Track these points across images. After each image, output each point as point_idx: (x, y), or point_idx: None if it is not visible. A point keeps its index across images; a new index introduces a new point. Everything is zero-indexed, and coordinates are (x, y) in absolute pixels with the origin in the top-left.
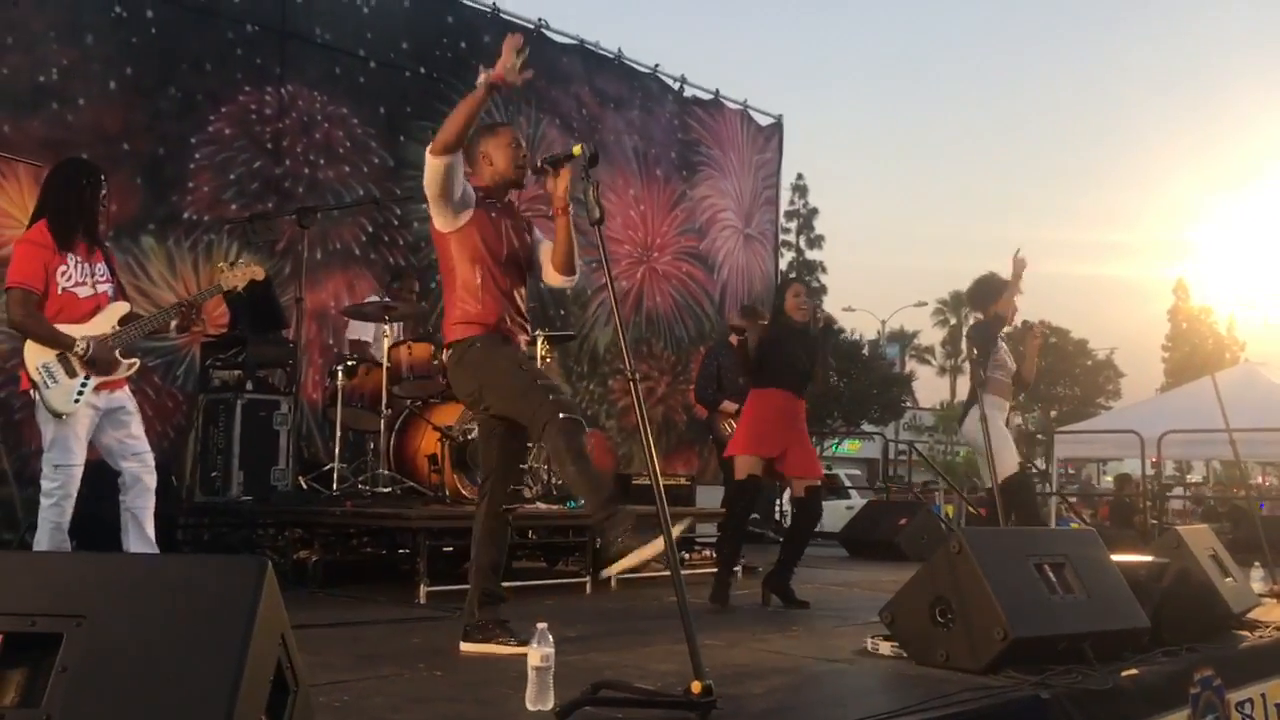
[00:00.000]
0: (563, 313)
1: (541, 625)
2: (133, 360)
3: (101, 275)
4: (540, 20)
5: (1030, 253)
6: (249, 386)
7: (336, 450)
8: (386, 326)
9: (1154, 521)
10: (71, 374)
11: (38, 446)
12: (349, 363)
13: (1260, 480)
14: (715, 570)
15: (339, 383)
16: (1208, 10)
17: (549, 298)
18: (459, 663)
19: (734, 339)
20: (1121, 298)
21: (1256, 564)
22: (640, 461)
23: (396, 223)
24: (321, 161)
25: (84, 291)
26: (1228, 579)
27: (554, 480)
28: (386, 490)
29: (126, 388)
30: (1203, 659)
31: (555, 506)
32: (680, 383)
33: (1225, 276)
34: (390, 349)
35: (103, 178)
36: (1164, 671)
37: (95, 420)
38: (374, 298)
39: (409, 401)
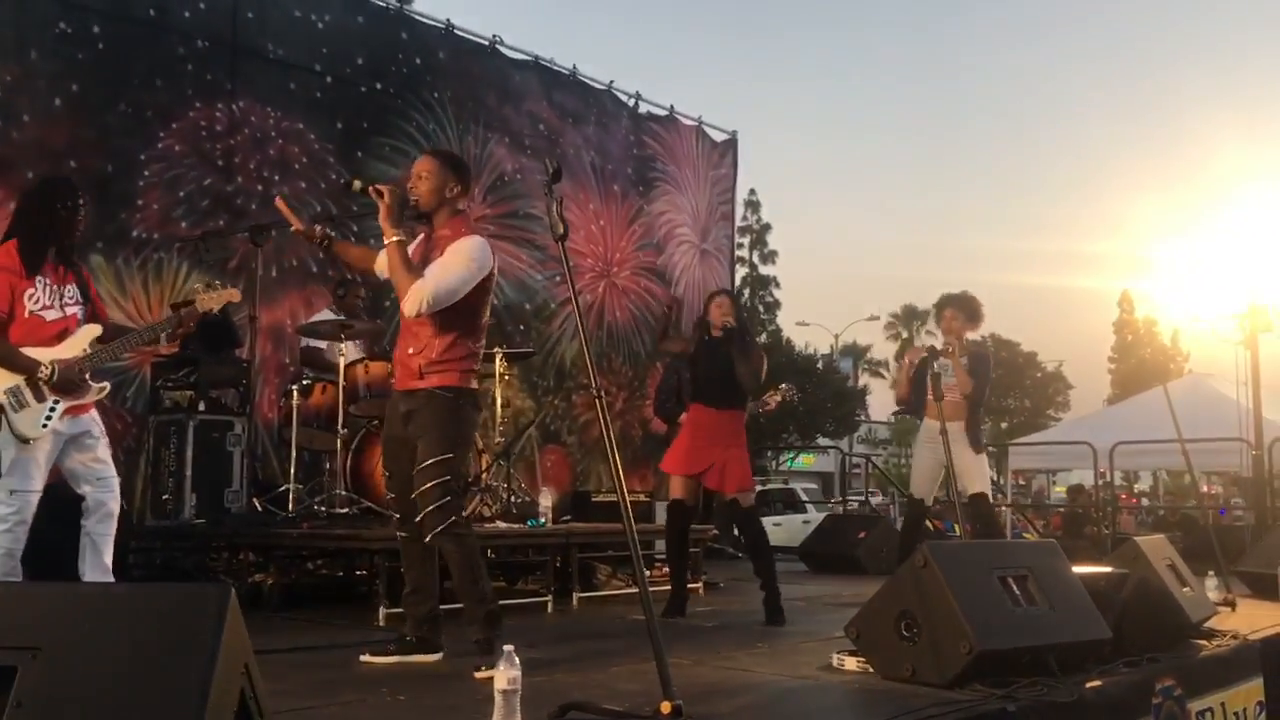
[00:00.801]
0: (522, 327)
1: (508, 647)
2: (103, 385)
3: (71, 298)
4: (495, 36)
5: (981, 264)
6: (201, 407)
7: (292, 471)
8: (341, 345)
9: (1106, 532)
10: (40, 398)
11: None
12: (304, 381)
13: (1206, 489)
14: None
15: (294, 402)
16: (1167, 26)
17: (505, 313)
18: (422, 687)
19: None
20: (1068, 310)
21: (1210, 573)
22: (598, 478)
23: (353, 239)
24: (276, 178)
25: (51, 315)
26: (1185, 588)
27: (512, 499)
28: (344, 511)
29: (94, 411)
30: (1164, 668)
31: (515, 525)
32: (637, 398)
33: (1171, 289)
34: (347, 368)
35: (81, 200)
36: (1126, 682)
37: (59, 445)
38: (327, 312)
39: (366, 420)
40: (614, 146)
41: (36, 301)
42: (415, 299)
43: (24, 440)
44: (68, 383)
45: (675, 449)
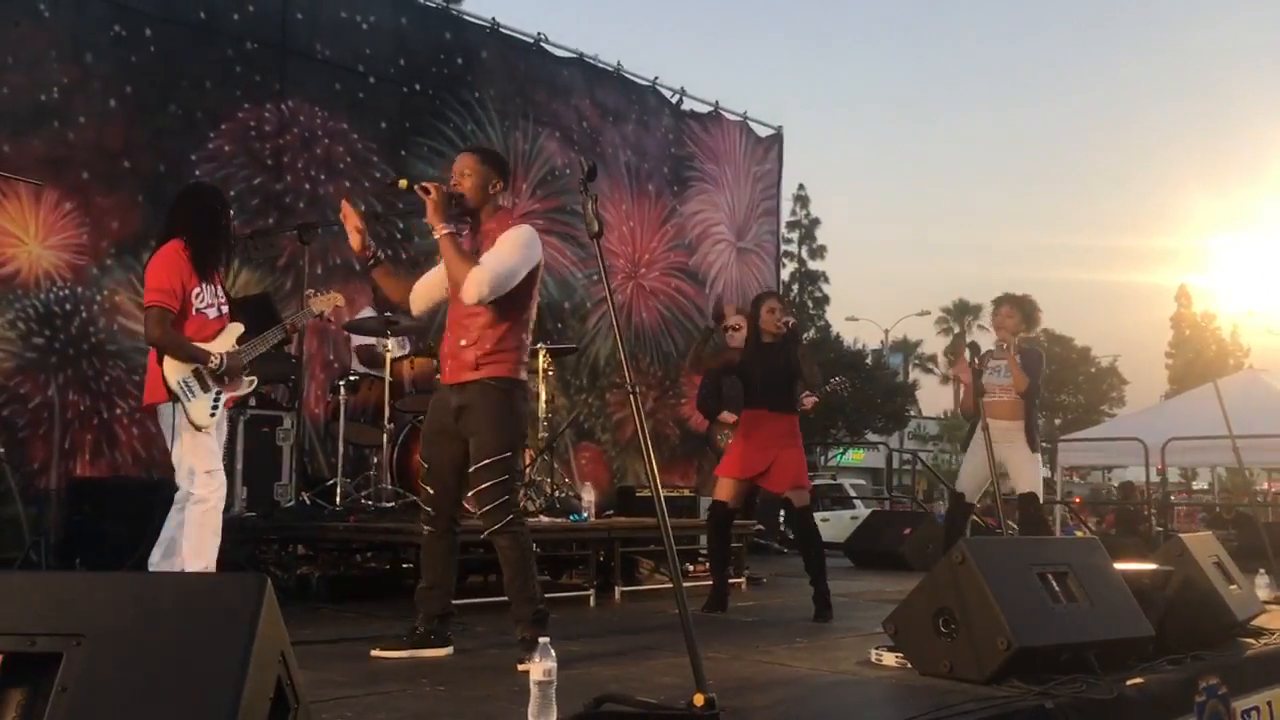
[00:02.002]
0: (559, 325)
1: (544, 639)
2: (252, 377)
3: (222, 297)
4: (540, 34)
5: (1035, 260)
6: (252, 402)
7: (339, 465)
8: (389, 341)
9: (1159, 529)
10: (205, 388)
11: (41, 464)
12: (352, 378)
13: (1266, 486)
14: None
15: (342, 397)
16: (1219, 20)
17: (545, 310)
18: (462, 679)
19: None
20: (1124, 304)
21: (1261, 571)
22: (635, 475)
23: (399, 237)
24: (322, 177)
25: (212, 314)
26: (1232, 586)
27: (556, 494)
28: (390, 505)
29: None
30: (1208, 667)
31: (559, 520)
32: (669, 397)
33: (1228, 284)
34: (393, 363)
35: (231, 208)
36: (1169, 680)
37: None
38: (369, 311)
39: (412, 415)
40: (652, 145)
41: (202, 300)
42: (475, 284)
43: (199, 428)
44: (233, 372)
45: (731, 454)
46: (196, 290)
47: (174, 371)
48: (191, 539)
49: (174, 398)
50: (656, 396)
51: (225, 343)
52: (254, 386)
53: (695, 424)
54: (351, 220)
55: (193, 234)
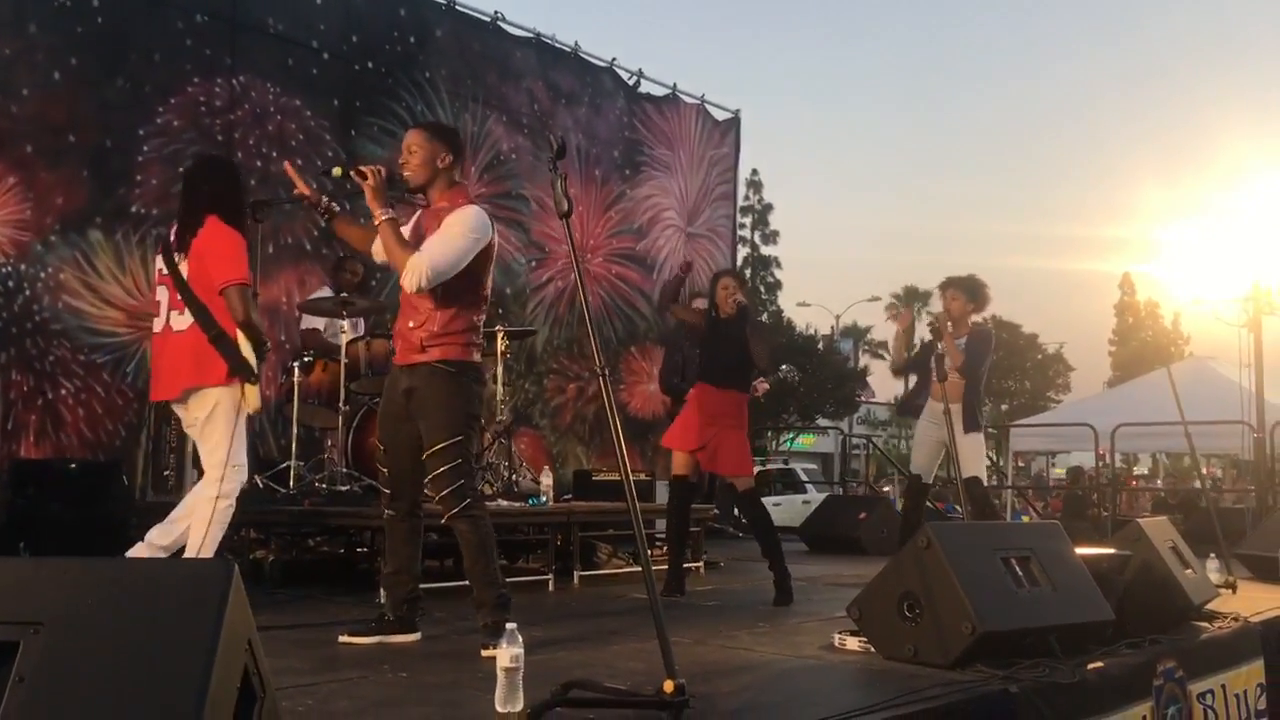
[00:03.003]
0: (500, 310)
1: (510, 625)
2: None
3: None
4: (497, 13)
5: (985, 247)
6: None
7: (293, 448)
8: (344, 322)
9: (1105, 514)
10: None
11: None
12: (305, 359)
13: (1206, 471)
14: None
15: (295, 379)
16: (1170, 8)
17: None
18: (424, 665)
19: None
20: (1071, 292)
21: (1211, 555)
22: (576, 459)
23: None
24: (274, 154)
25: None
26: (1188, 570)
27: (514, 478)
28: (344, 488)
29: None
30: (1165, 650)
31: (516, 504)
32: (611, 381)
33: (1176, 272)
34: (348, 345)
35: None
36: (1128, 664)
37: None
38: (325, 290)
39: (368, 398)
40: (603, 129)
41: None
42: (414, 273)
43: (255, 412)
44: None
45: (676, 425)
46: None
47: (251, 354)
48: (213, 534)
49: (248, 379)
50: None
51: None
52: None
53: (635, 409)
54: (295, 180)
55: (229, 209)
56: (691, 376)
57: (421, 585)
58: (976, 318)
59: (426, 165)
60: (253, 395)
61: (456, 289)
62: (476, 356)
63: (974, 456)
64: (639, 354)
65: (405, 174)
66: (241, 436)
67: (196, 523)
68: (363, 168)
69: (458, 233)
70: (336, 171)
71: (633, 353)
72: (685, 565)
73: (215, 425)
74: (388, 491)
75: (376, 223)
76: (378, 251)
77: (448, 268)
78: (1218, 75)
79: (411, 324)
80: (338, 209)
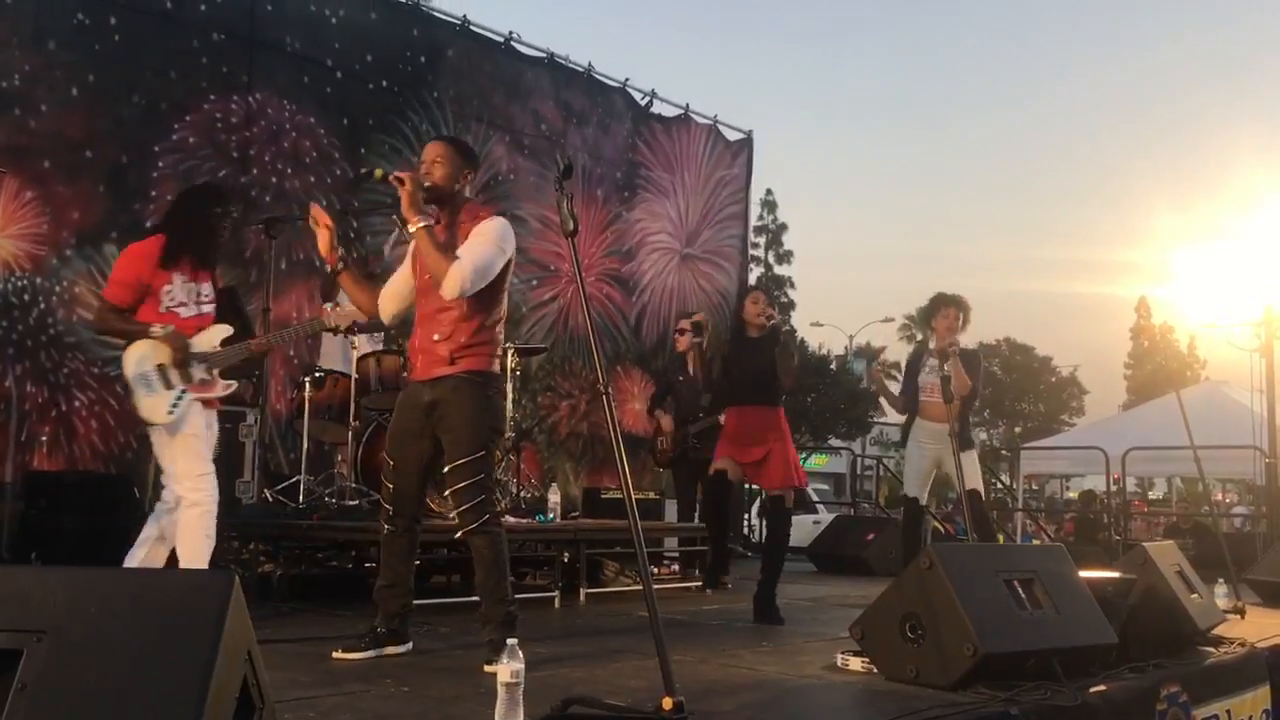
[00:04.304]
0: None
1: (512, 641)
2: (230, 382)
3: (206, 296)
4: (511, 32)
5: (999, 270)
6: None
7: (303, 463)
8: (354, 338)
9: (1118, 538)
10: (169, 385)
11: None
12: (317, 374)
13: (1220, 497)
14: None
15: (306, 394)
16: (1184, 38)
17: None
18: (426, 679)
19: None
20: (1086, 316)
21: (1220, 580)
22: (564, 475)
23: (353, 235)
24: (289, 170)
25: (186, 312)
26: (1193, 595)
27: (521, 494)
28: (353, 503)
29: (214, 414)
30: (1169, 675)
31: (524, 520)
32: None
33: (1188, 296)
34: (359, 361)
35: (232, 208)
36: (1131, 688)
37: (212, 436)
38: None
39: (377, 413)
40: (609, 150)
41: (173, 298)
42: (456, 278)
43: (149, 423)
44: (181, 347)
45: (724, 443)
46: (167, 287)
47: (133, 363)
48: (186, 543)
49: (129, 389)
50: (589, 400)
51: (203, 344)
52: (231, 389)
53: (628, 424)
54: (323, 221)
55: (172, 229)
56: (682, 404)
57: (428, 601)
58: (961, 339)
59: (451, 178)
60: (146, 405)
61: (481, 301)
62: (499, 369)
63: (973, 471)
64: (622, 373)
65: (428, 184)
66: (195, 450)
67: (178, 538)
68: (400, 174)
69: (490, 240)
70: (378, 173)
71: (619, 371)
72: (687, 584)
73: (158, 441)
74: (389, 508)
75: (413, 229)
76: (386, 305)
77: (487, 272)
78: (1229, 100)
79: (436, 337)
80: (346, 265)
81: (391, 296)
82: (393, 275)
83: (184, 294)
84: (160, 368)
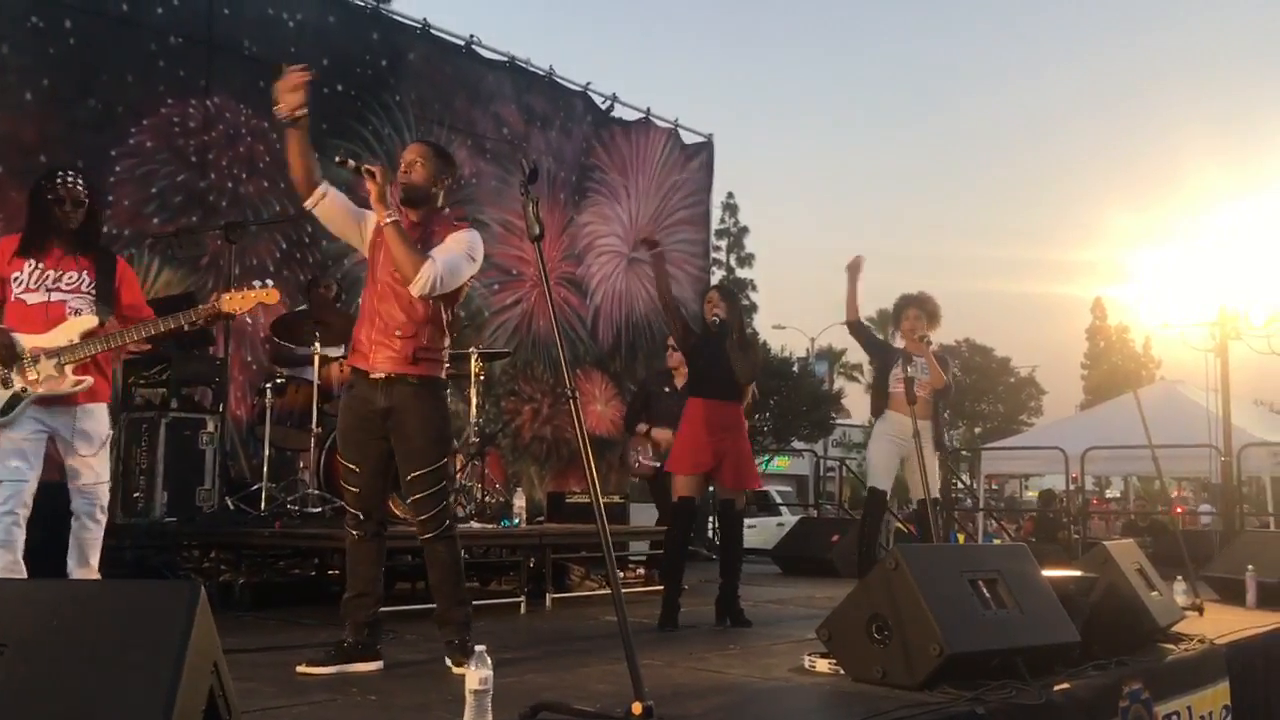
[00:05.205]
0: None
1: (480, 647)
2: (81, 379)
3: (69, 285)
4: (472, 36)
5: (957, 270)
6: (174, 405)
7: (265, 470)
8: (315, 344)
9: (1077, 536)
10: (7, 384)
11: None
12: (278, 380)
13: (1176, 494)
14: (661, 592)
15: (268, 400)
16: (1141, 39)
17: None
18: (394, 687)
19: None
20: (1043, 316)
21: (1179, 578)
22: (529, 479)
23: (308, 240)
24: (244, 175)
25: (33, 298)
26: (1153, 593)
27: (486, 499)
28: (316, 510)
29: (90, 409)
30: (1131, 672)
31: (489, 525)
32: (563, 403)
33: (1145, 297)
34: (321, 365)
35: (63, 180)
36: (1094, 685)
37: (43, 436)
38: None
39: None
40: (570, 153)
41: (20, 284)
42: (428, 275)
43: None
44: (6, 345)
45: (681, 447)
46: (16, 274)
47: None
48: None
49: None
50: (551, 402)
51: (60, 335)
52: (81, 387)
53: (592, 427)
54: (297, 78)
55: (27, 214)
56: (658, 415)
57: (392, 608)
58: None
59: (430, 180)
60: None
61: (443, 307)
62: (444, 374)
63: (936, 475)
64: (583, 375)
65: (404, 183)
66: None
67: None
68: (371, 167)
69: (464, 250)
70: (351, 163)
71: (579, 374)
72: (653, 589)
73: None
74: (356, 512)
75: (382, 224)
76: (324, 205)
77: (453, 279)
78: (1185, 101)
79: (399, 333)
80: (305, 117)
81: (329, 208)
82: (342, 198)
83: (32, 280)
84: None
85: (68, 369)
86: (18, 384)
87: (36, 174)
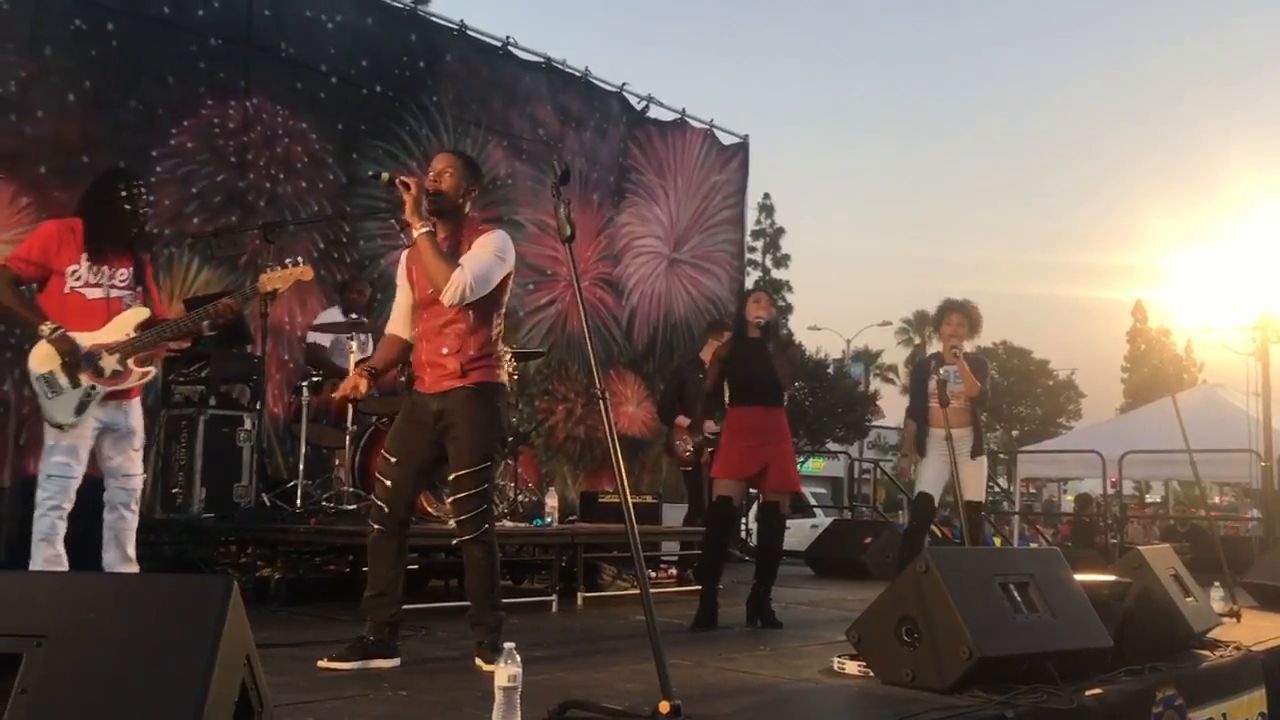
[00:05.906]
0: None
1: (509, 645)
2: (146, 370)
3: (122, 281)
4: (508, 37)
5: (996, 274)
6: (212, 402)
7: (301, 467)
8: (352, 342)
9: (1114, 541)
10: (75, 383)
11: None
12: (315, 379)
13: (1218, 500)
14: (698, 592)
15: (304, 398)
16: (1180, 42)
17: None
18: (425, 683)
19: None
20: (1082, 319)
21: (1216, 584)
22: (562, 479)
23: (345, 240)
24: (281, 176)
25: (93, 294)
26: (1189, 598)
27: (519, 498)
28: (351, 507)
29: (135, 403)
30: (1165, 678)
31: (522, 524)
32: (593, 402)
33: (1184, 300)
34: (355, 366)
35: (137, 188)
36: (1127, 691)
37: (96, 432)
38: (335, 310)
39: (375, 418)
40: (605, 154)
41: (79, 279)
42: (458, 285)
43: (58, 427)
44: (71, 349)
45: (726, 454)
46: (73, 267)
47: (38, 363)
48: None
49: (33, 393)
50: (584, 403)
51: (117, 329)
52: (148, 378)
53: (624, 428)
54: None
55: (86, 214)
56: (690, 404)
57: (425, 605)
58: (969, 345)
59: (458, 191)
60: (54, 409)
61: (485, 313)
62: (504, 379)
63: (977, 481)
64: (616, 376)
65: (434, 191)
66: (56, 447)
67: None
68: (405, 178)
69: (491, 252)
70: (384, 176)
71: (612, 375)
72: (685, 589)
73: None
74: (383, 506)
75: (414, 234)
76: (399, 334)
77: (485, 283)
78: (1224, 105)
79: (445, 351)
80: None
81: (401, 322)
82: (394, 305)
83: (92, 275)
84: (66, 366)
85: (130, 362)
86: (85, 383)
87: (80, 174)
